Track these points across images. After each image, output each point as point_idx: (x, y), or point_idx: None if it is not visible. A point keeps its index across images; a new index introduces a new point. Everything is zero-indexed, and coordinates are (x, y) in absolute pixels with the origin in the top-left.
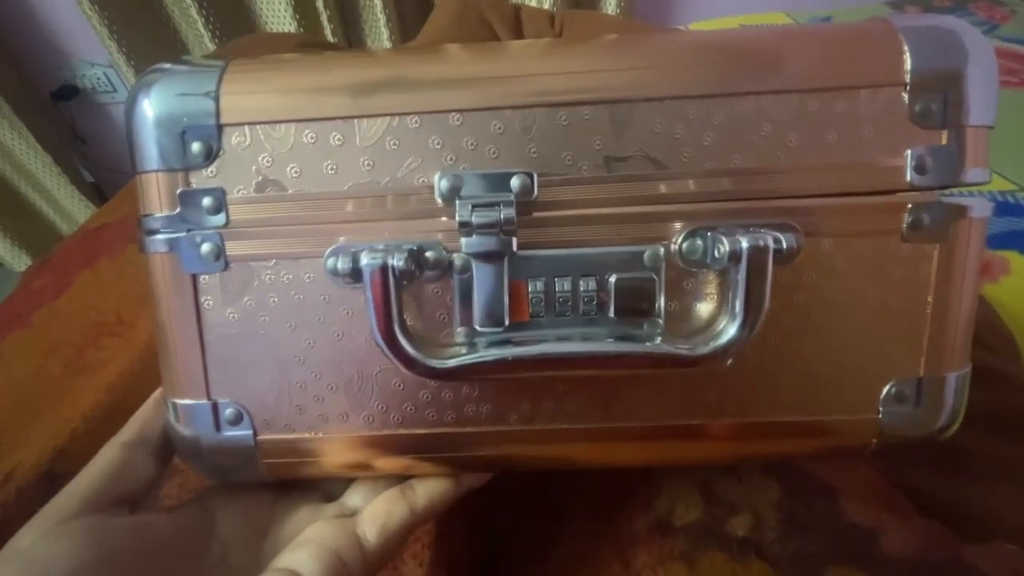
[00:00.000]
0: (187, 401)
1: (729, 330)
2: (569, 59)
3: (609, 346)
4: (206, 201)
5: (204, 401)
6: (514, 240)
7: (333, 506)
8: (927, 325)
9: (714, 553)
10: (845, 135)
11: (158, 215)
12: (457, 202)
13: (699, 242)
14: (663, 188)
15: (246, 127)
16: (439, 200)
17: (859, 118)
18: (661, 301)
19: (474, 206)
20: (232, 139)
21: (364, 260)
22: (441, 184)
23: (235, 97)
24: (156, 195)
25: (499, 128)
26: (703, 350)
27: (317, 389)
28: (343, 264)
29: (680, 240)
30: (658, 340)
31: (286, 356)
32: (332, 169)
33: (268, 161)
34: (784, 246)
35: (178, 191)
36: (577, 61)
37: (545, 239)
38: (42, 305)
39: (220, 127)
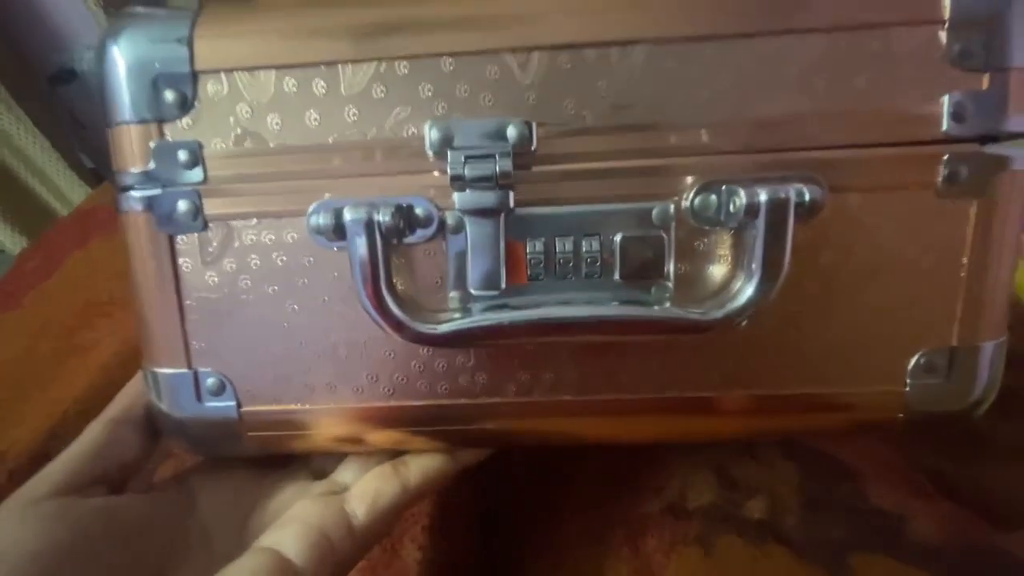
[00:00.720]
0: (167, 370)
1: (745, 291)
2: None
3: (614, 310)
4: (181, 155)
5: (184, 370)
6: (511, 195)
7: (322, 483)
8: (962, 289)
9: (731, 537)
10: (876, 79)
11: (132, 171)
12: (449, 153)
13: (713, 197)
14: (673, 139)
15: (222, 74)
16: (430, 152)
17: (892, 59)
18: (671, 263)
19: (467, 157)
20: (208, 88)
21: (348, 216)
22: (431, 134)
23: (210, 42)
24: (129, 149)
25: (495, 74)
26: (716, 314)
27: (303, 358)
28: (325, 220)
29: (692, 196)
30: (667, 304)
31: (270, 322)
32: (315, 120)
33: (247, 112)
34: (807, 199)
35: (152, 144)
36: None
37: (545, 195)
38: (34, 286)
39: (195, 74)
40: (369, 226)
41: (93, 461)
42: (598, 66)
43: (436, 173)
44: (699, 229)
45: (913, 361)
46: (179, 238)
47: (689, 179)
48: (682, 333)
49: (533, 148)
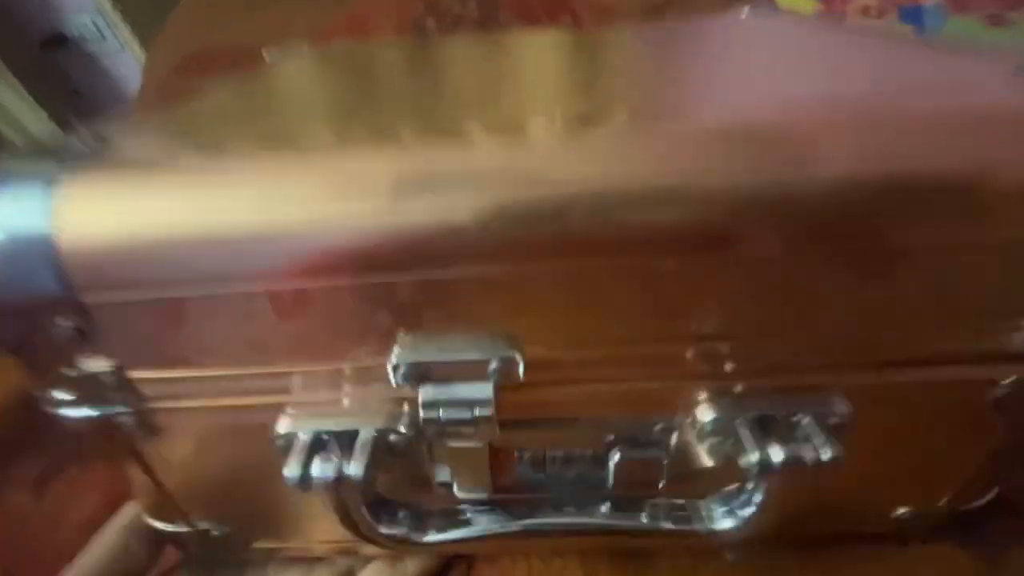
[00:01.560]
0: (169, 527)
1: (730, 521)
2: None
3: (606, 521)
4: (107, 380)
5: (185, 528)
6: (495, 428)
7: None
8: (970, 470)
9: None
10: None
11: (56, 394)
12: (420, 395)
13: (723, 424)
14: (688, 352)
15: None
16: (396, 386)
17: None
18: (662, 475)
19: (440, 404)
20: (105, 315)
21: (316, 470)
22: (398, 372)
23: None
24: (31, 377)
25: (473, 295)
26: (710, 527)
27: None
28: (291, 470)
29: (701, 419)
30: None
31: (259, 491)
32: (263, 339)
33: (173, 338)
34: (825, 458)
35: (64, 374)
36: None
37: (532, 415)
38: None
39: (84, 308)
40: (338, 483)
41: (107, 567)
42: (607, 278)
43: (408, 404)
44: (699, 449)
45: (897, 513)
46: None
47: (701, 395)
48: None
49: (521, 380)
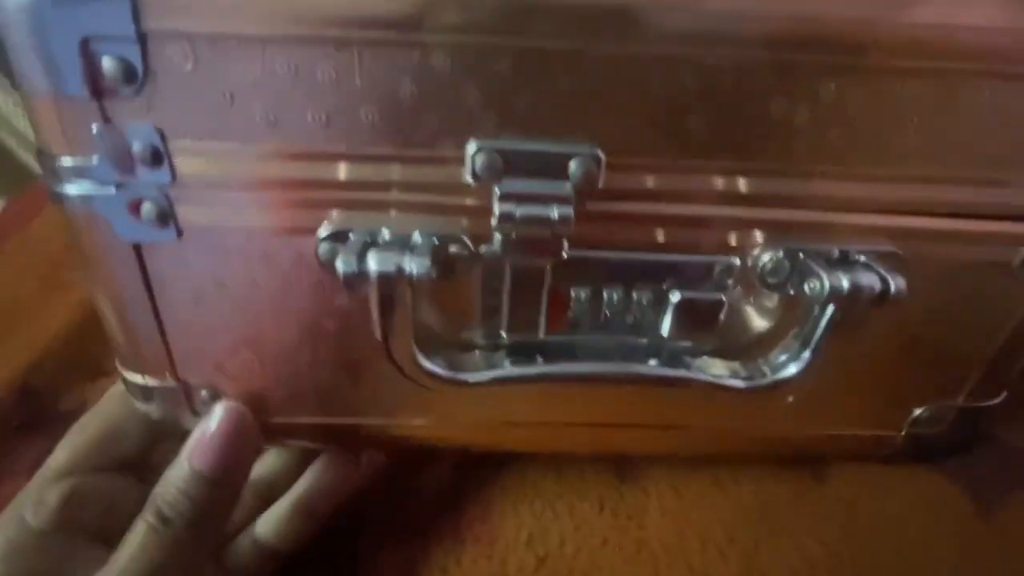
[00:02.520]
0: (151, 382)
1: (790, 367)
2: None
3: (655, 370)
4: (137, 147)
5: (172, 384)
6: (564, 243)
7: None
8: (988, 356)
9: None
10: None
11: (66, 161)
12: (496, 188)
13: (786, 263)
14: (747, 185)
15: (184, 40)
16: (470, 180)
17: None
18: (721, 317)
19: (520, 198)
20: (166, 54)
21: (373, 263)
22: (476, 160)
23: None
24: (58, 129)
25: (566, 83)
26: (760, 382)
27: (314, 380)
28: (345, 263)
29: (761, 256)
30: (707, 360)
31: (269, 345)
32: (321, 118)
33: (225, 96)
34: (891, 291)
35: (93, 128)
36: None
37: (599, 238)
38: (17, 231)
39: (143, 36)
40: (397, 278)
41: (96, 449)
42: (693, 78)
43: (475, 201)
44: (759, 290)
45: (914, 414)
46: (148, 245)
47: (759, 235)
48: (719, 393)
49: (599, 186)
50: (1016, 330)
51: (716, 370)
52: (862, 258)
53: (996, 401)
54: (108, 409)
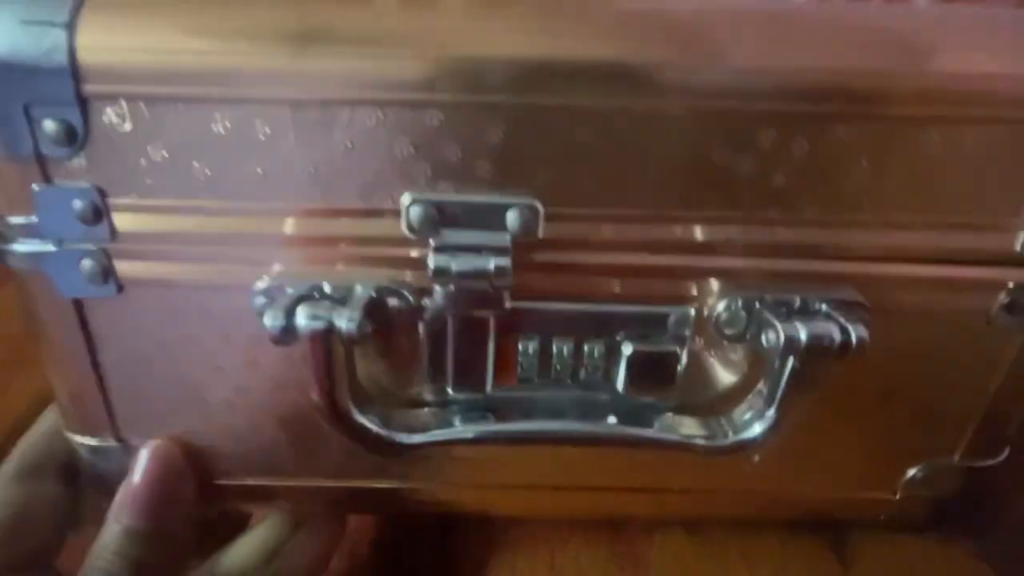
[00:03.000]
0: (92, 442)
1: (755, 428)
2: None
3: (614, 429)
4: (77, 205)
5: (113, 444)
6: (505, 295)
7: None
8: (981, 410)
9: None
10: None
11: (12, 219)
12: (432, 240)
13: (742, 313)
14: (702, 233)
15: (123, 102)
16: (407, 232)
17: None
18: (679, 370)
19: (455, 250)
20: (105, 116)
21: (301, 320)
22: (411, 212)
23: (101, 52)
24: (1, 189)
25: (500, 133)
26: (722, 442)
27: (260, 439)
28: (273, 317)
29: (716, 306)
30: (668, 417)
31: (213, 400)
32: (258, 173)
33: (164, 154)
34: (853, 340)
35: (33, 189)
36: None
37: (545, 289)
38: None
39: (83, 100)
40: (326, 336)
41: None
42: (637, 130)
43: (415, 253)
44: (718, 341)
45: (908, 474)
46: (88, 301)
47: (715, 284)
48: (683, 452)
49: (539, 236)
50: (1007, 382)
51: (683, 429)
52: (823, 307)
53: (998, 459)
54: (5, 498)
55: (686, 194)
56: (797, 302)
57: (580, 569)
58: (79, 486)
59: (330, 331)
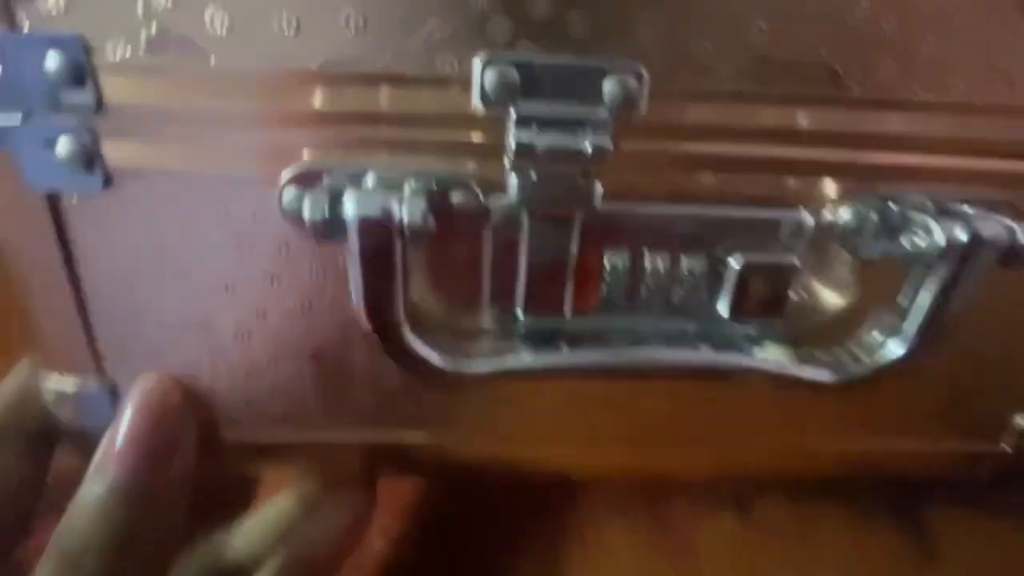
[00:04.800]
0: (71, 385)
1: (891, 350)
2: None
3: (715, 358)
4: (53, 61)
5: (95, 385)
6: (598, 187)
7: None
8: None
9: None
10: None
11: None
12: (511, 110)
13: (873, 216)
14: (836, 120)
15: None
16: (479, 103)
17: None
18: (792, 292)
19: (541, 123)
20: None
21: (350, 207)
22: (485, 76)
23: None
24: None
25: None
26: (855, 370)
27: (282, 380)
28: (313, 208)
29: (840, 209)
30: (776, 349)
31: (221, 329)
32: (290, 26)
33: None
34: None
35: None
36: None
37: (641, 187)
38: None
39: None
40: (384, 227)
41: None
42: None
43: (483, 134)
44: (836, 256)
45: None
46: (66, 198)
47: (839, 184)
48: (797, 390)
49: (641, 113)
50: None
51: (787, 358)
52: (969, 209)
53: None
54: None
55: (816, 66)
56: (930, 204)
57: (619, 563)
58: (49, 460)
59: (387, 223)
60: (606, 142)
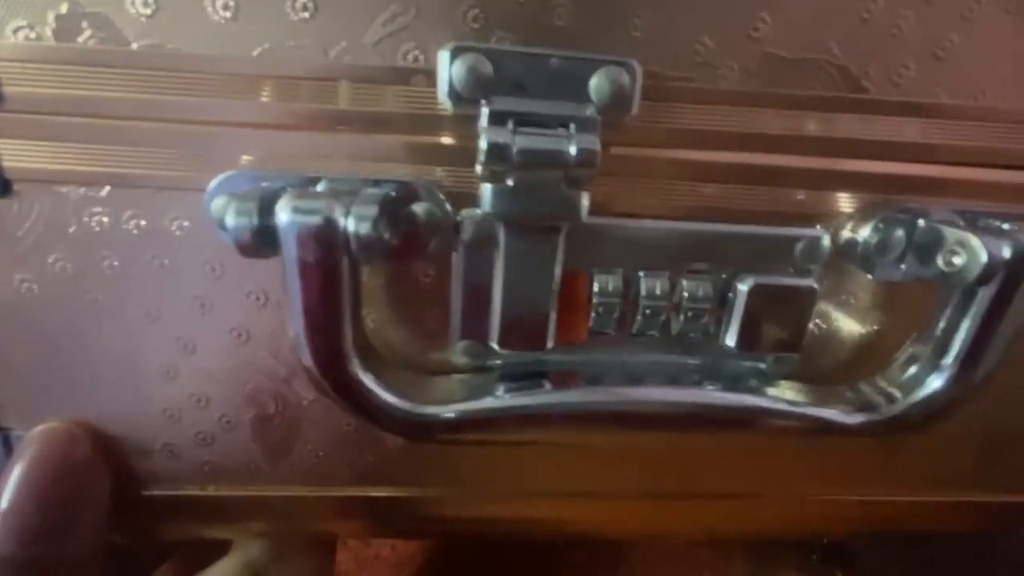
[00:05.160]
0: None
1: (930, 385)
2: None
3: (725, 398)
4: None
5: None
6: (584, 198)
7: None
8: None
9: None
10: None
11: None
12: (483, 108)
13: (898, 233)
14: (845, 125)
15: None
16: (446, 98)
17: None
18: (809, 321)
19: (518, 121)
20: None
21: (284, 214)
22: (454, 68)
23: None
24: None
25: None
26: (889, 410)
27: (201, 423)
28: (239, 216)
29: (861, 226)
30: (791, 388)
31: (143, 366)
32: (227, 8)
33: None
34: None
35: None
36: None
37: (633, 201)
38: None
39: None
40: (326, 237)
41: None
42: None
43: (451, 139)
44: (856, 280)
45: None
46: None
47: (854, 200)
48: (820, 435)
49: (632, 113)
50: None
51: (808, 399)
52: (1005, 225)
53: None
54: None
55: (826, 65)
56: (961, 223)
57: None
58: None
59: (331, 233)
60: (593, 144)
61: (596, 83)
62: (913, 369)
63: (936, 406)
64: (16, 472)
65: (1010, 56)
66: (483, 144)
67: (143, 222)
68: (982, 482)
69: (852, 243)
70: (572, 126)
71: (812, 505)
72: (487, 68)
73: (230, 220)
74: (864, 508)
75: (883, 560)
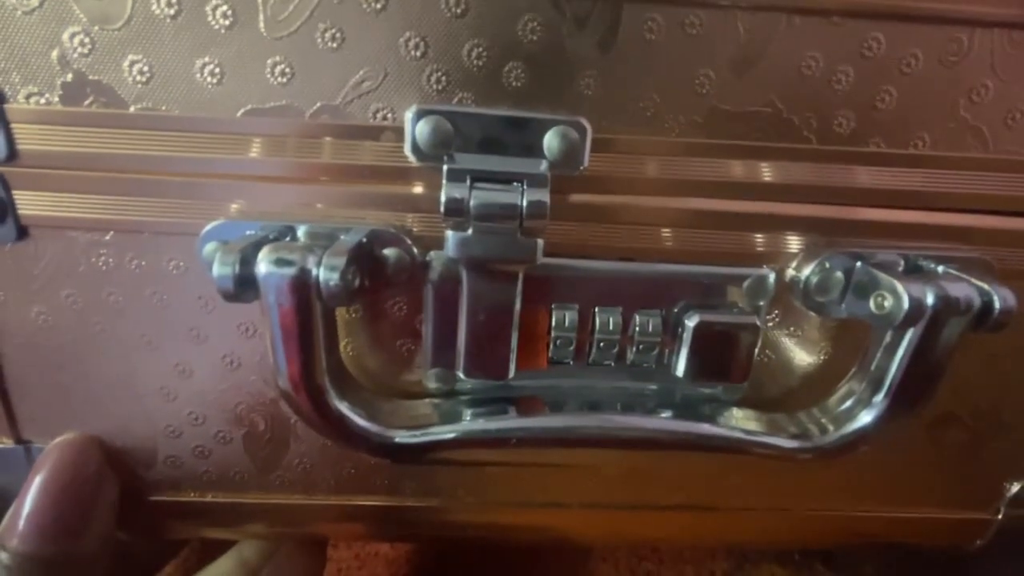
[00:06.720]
0: None
1: (861, 418)
2: None
3: (672, 426)
4: None
5: (10, 444)
6: (539, 244)
7: None
8: None
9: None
10: None
11: None
12: (445, 165)
13: (838, 275)
14: (788, 171)
15: None
16: (411, 154)
17: None
18: (756, 352)
19: (475, 178)
20: None
21: (263, 265)
22: (417, 128)
23: None
24: None
25: (532, 27)
26: (821, 440)
27: (199, 438)
28: (222, 267)
29: (803, 266)
30: (738, 415)
31: (146, 388)
32: (213, 75)
33: (84, 45)
34: (996, 305)
35: None
36: None
37: (589, 242)
38: None
39: None
40: (298, 288)
41: None
42: (706, 39)
43: (420, 188)
44: (802, 313)
45: (1014, 490)
46: None
47: (799, 241)
48: (764, 459)
49: (583, 168)
50: None
51: (751, 425)
52: (940, 268)
53: None
54: None
55: (770, 117)
56: (902, 264)
57: None
58: None
59: (303, 283)
60: (543, 197)
61: (549, 140)
62: (848, 403)
63: (865, 438)
64: (36, 480)
65: (947, 106)
66: (443, 198)
67: (143, 262)
68: (933, 498)
69: (796, 282)
70: (524, 181)
71: (775, 516)
72: (447, 128)
73: (215, 270)
74: (844, 522)
75: (862, 555)
